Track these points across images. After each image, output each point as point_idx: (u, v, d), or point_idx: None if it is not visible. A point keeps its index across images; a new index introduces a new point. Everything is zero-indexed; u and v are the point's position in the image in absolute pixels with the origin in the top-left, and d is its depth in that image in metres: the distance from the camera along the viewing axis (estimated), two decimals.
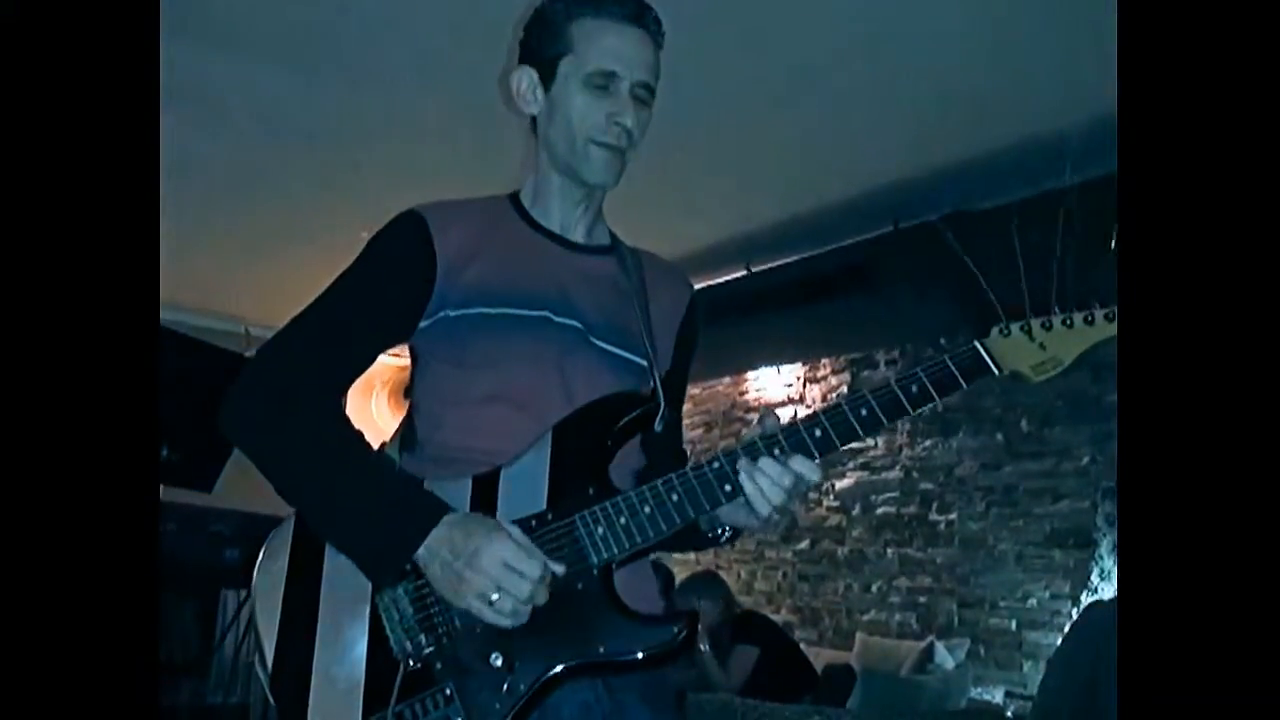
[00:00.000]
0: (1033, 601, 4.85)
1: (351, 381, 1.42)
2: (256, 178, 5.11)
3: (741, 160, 4.79)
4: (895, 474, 5.65)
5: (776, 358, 6.42)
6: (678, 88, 3.87)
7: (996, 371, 1.34)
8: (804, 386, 6.31)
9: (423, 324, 1.41)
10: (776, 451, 1.31)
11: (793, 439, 1.32)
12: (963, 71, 3.94)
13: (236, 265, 6.40)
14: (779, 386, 6.46)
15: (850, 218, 5.43)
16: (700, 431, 6.80)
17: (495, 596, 1.21)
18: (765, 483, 1.29)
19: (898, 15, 3.58)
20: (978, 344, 1.35)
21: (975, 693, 4.74)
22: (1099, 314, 1.33)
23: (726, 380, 6.75)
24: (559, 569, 1.26)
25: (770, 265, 6.14)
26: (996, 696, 4.80)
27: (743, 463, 1.31)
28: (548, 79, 1.45)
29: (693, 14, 3.53)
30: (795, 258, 6.01)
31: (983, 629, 5.04)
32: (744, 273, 6.25)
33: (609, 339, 1.45)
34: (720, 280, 6.34)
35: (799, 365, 6.35)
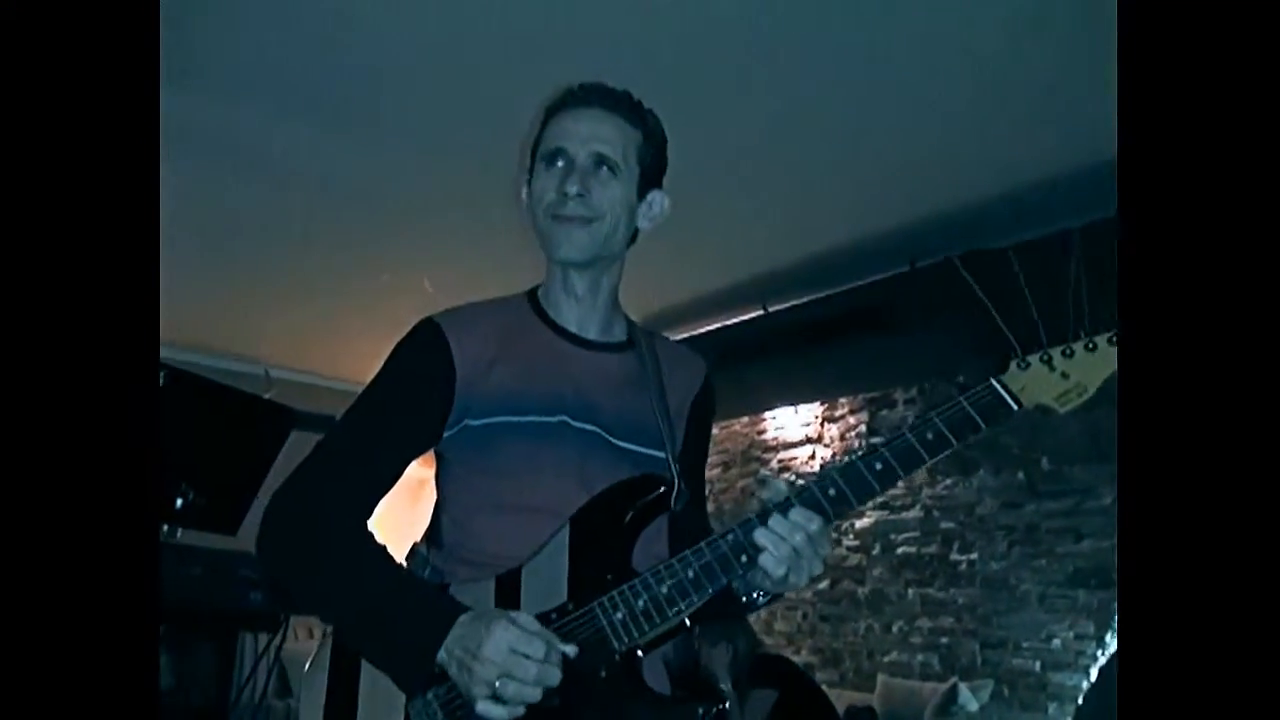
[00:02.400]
0: (1057, 642, 4.80)
1: (378, 499, 1.44)
2: (279, 227, 5.19)
3: (758, 202, 4.83)
4: (915, 513, 5.63)
5: (794, 397, 6.43)
6: (694, 131, 3.93)
7: (1016, 407, 1.29)
8: (822, 426, 6.31)
9: (446, 433, 1.43)
10: (791, 510, 1.29)
11: (807, 499, 1.29)
12: (980, 111, 3.97)
13: (259, 311, 6.47)
14: (797, 426, 6.46)
15: (867, 257, 5.45)
16: (718, 471, 6.79)
17: (499, 684, 1.20)
18: (772, 542, 1.27)
19: (914, 57, 3.62)
20: (994, 381, 1.30)
21: None
22: None
23: (744, 420, 6.76)
24: (569, 650, 1.25)
25: (787, 305, 6.15)
26: None
27: (755, 529, 1.29)
28: (530, 179, 1.50)
29: (709, 56, 3.59)
30: (812, 298, 6.03)
31: (1006, 670, 4.98)
32: (761, 313, 6.27)
33: (628, 438, 1.45)
34: (737, 321, 6.36)
35: (817, 404, 6.35)
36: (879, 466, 1.29)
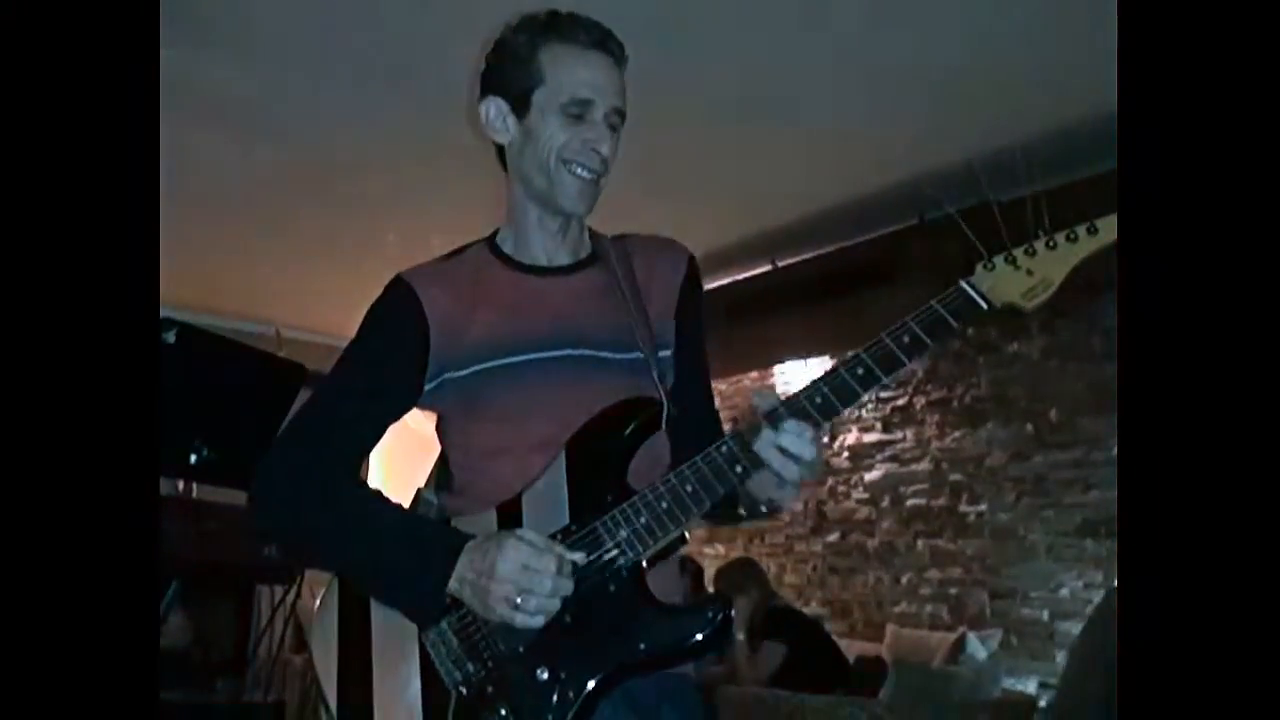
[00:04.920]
0: (1065, 592, 4.84)
1: (363, 459, 1.47)
2: (287, 188, 5.19)
3: (766, 155, 4.80)
4: (924, 466, 5.65)
5: (803, 352, 6.43)
6: (701, 81, 3.90)
7: (985, 306, 1.35)
8: None
9: (427, 387, 1.45)
10: (784, 423, 1.33)
11: (795, 409, 1.34)
12: (990, 62, 3.94)
13: (269, 272, 6.49)
14: (805, 380, 6.46)
15: (876, 211, 5.43)
16: (728, 426, 6.78)
17: (519, 599, 1.25)
18: (777, 457, 1.31)
19: (922, 10, 3.59)
20: (963, 283, 1.36)
21: (1008, 683, 4.74)
22: (1080, 229, 1.33)
23: (753, 375, 6.76)
24: (577, 557, 1.30)
25: (795, 259, 6.14)
26: (1029, 687, 4.80)
27: (757, 440, 1.33)
28: (520, 110, 1.46)
29: (716, 7, 3.56)
30: (821, 252, 6.02)
31: (1015, 619, 5.03)
32: (769, 267, 6.26)
33: (614, 348, 1.46)
34: (746, 275, 6.35)
35: (826, 359, 6.35)
36: (860, 371, 1.35)
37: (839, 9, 3.61)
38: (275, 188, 5.22)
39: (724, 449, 1.34)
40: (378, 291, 1.51)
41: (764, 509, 1.43)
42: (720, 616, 1.32)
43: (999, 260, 1.36)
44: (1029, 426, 5.14)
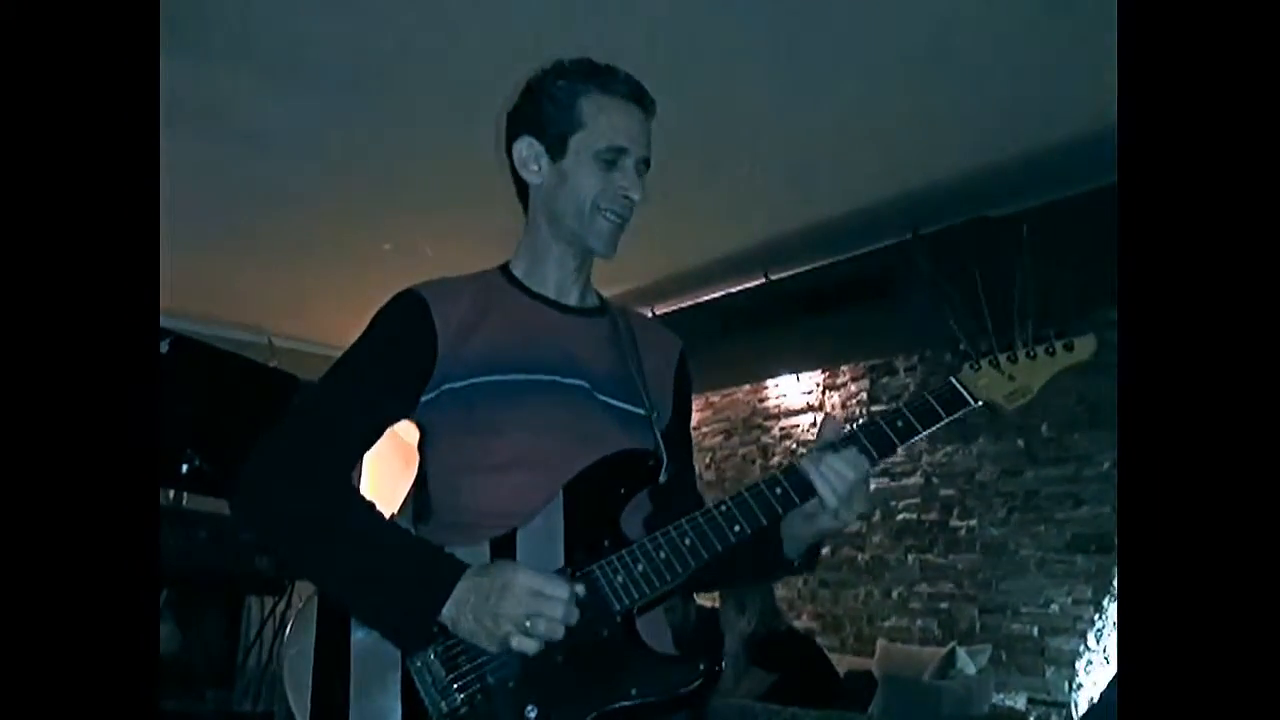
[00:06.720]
0: (1055, 607, 4.84)
1: (359, 458, 1.46)
2: (281, 196, 5.20)
3: (760, 169, 4.82)
4: (915, 480, 5.65)
5: (796, 365, 6.44)
6: (696, 95, 3.91)
7: (973, 403, 1.46)
8: (823, 394, 6.32)
9: (425, 397, 1.45)
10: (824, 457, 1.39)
11: (793, 479, 1.39)
12: (984, 79, 3.96)
13: (262, 280, 6.48)
14: (798, 394, 6.48)
15: (870, 225, 5.44)
16: (720, 439, 6.81)
17: (529, 623, 1.25)
18: (819, 482, 1.37)
19: (918, 24, 3.60)
20: (953, 380, 1.48)
21: (998, 699, 4.74)
22: (1058, 345, 1.47)
23: (746, 388, 6.77)
24: (580, 589, 1.31)
25: (789, 273, 6.16)
26: (1019, 702, 4.80)
27: (774, 487, 1.38)
28: (556, 152, 1.50)
29: (712, 21, 3.57)
30: (814, 265, 6.03)
31: (1005, 635, 5.03)
32: (763, 281, 6.27)
33: (614, 394, 1.50)
34: (739, 289, 6.36)
35: (818, 372, 6.36)
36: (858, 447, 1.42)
37: (834, 22, 3.62)
38: (270, 196, 5.22)
39: (723, 508, 1.38)
40: (372, 300, 1.51)
41: (795, 561, 1.49)
42: (708, 671, 1.34)
43: (984, 363, 1.48)
44: (1020, 441, 5.15)
